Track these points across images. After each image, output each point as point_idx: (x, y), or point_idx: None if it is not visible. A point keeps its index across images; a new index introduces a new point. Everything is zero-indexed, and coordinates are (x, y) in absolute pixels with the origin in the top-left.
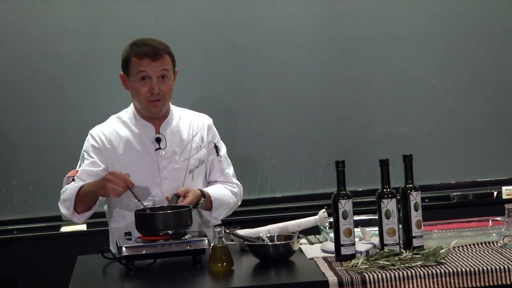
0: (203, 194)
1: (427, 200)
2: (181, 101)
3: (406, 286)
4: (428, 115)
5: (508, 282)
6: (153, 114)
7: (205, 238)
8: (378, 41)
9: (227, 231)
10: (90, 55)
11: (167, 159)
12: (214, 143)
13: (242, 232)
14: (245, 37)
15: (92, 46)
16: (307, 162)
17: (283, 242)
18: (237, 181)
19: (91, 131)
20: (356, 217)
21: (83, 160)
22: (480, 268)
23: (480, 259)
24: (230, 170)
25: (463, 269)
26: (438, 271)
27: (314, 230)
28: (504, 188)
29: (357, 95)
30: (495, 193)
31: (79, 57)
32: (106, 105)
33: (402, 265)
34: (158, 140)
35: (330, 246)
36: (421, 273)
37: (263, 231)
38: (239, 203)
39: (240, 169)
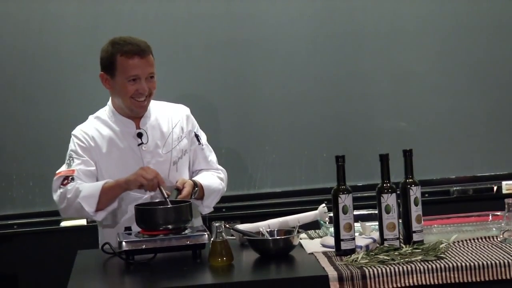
0: (195, 184)
1: (427, 195)
2: (180, 96)
3: (406, 281)
4: (428, 110)
5: (508, 277)
6: (138, 113)
7: (205, 233)
8: (379, 37)
9: (227, 226)
10: (89, 51)
11: (150, 153)
12: (194, 132)
13: (242, 226)
14: (245, 32)
15: (91, 42)
16: (307, 157)
17: (283, 237)
18: (221, 167)
19: (74, 132)
20: (356, 212)
21: (72, 159)
22: (480, 263)
23: (480, 254)
24: (213, 157)
25: (463, 264)
26: (438, 265)
27: (314, 225)
28: (504, 183)
29: (357, 90)
30: (495, 188)
31: (79, 53)
32: (106, 101)
33: (402, 260)
34: (139, 135)
35: (330, 240)
36: (421, 267)
37: (263, 225)
38: (225, 188)
39: (240, 163)
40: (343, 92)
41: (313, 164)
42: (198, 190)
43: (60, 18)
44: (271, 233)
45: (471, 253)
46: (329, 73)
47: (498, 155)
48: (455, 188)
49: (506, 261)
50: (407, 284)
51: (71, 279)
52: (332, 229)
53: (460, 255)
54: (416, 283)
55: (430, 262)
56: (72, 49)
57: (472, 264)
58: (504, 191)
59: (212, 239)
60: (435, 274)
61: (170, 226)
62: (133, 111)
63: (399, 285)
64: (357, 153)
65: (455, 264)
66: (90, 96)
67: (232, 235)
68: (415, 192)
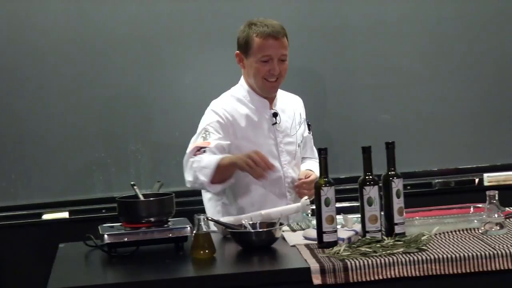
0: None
1: (409, 187)
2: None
3: (388, 273)
4: (410, 102)
5: (489, 269)
6: (268, 94)
7: (187, 226)
8: (362, 29)
9: (210, 218)
10: (73, 43)
11: (282, 133)
12: (307, 121)
13: (224, 219)
14: (230, 25)
15: (75, 36)
16: None
17: (265, 230)
18: None
19: (213, 108)
20: (338, 204)
21: (209, 133)
22: (462, 254)
23: (462, 246)
24: (314, 147)
25: (445, 256)
26: (420, 257)
27: (296, 217)
28: (485, 175)
29: (340, 82)
30: (476, 180)
31: (62, 47)
32: (89, 93)
33: (384, 252)
34: (275, 115)
35: (313, 233)
36: (403, 259)
37: (246, 218)
38: None
39: None
40: (327, 85)
41: None
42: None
43: (44, 11)
44: (253, 225)
45: (452, 245)
46: (313, 66)
47: (480, 148)
48: (437, 181)
49: (487, 253)
50: (389, 276)
51: (53, 272)
52: (314, 222)
53: (441, 247)
54: (398, 275)
55: (412, 254)
56: (55, 44)
57: (453, 256)
58: (485, 183)
59: (194, 231)
60: (416, 266)
61: (152, 219)
62: (264, 91)
63: (381, 277)
64: (340, 146)
65: (436, 256)
66: (72, 89)
67: (215, 228)
68: (397, 185)
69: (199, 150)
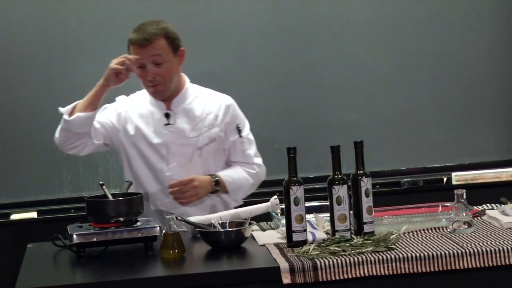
0: (216, 180)
1: (378, 186)
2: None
3: (357, 272)
4: (379, 101)
5: (457, 267)
6: (155, 98)
7: (157, 225)
8: (330, 28)
9: (179, 218)
10: (38, 44)
11: (175, 134)
12: (236, 125)
13: (193, 219)
14: (198, 25)
15: (39, 35)
16: (259, 148)
17: (234, 229)
18: (258, 161)
19: (118, 98)
20: (307, 204)
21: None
22: (430, 253)
23: (430, 244)
24: (252, 151)
25: (413, 255)
26: (389, 256)
27: (266, 217)
28: (453, 174)
29: (308, 81)
30: (445, 179)
31: (27, 45)
32: (56, 91)
33: (353, 251)
34: (167, 115)
35: None
36: (372, 258)
37: (215, 217)
38: (260, 182)
39: None
40: (295, 84)
41: (265, 156)
42: (221, 184)
43: (8, 12)
44: (222, 225)
45: (421, 244)
46: (280, 65)
47: (448, 147)
48: (405, 180)
49: (455, 251)
50: (358, 275)
51: (21, 273)
52: (283, 221)
53: (410, 246)
54: (367, 274)
55: (380, 253)
56: (21, 43)
57: (422, 254)
58: (453, 182)
59: (163, 231)
60: (385, 265)
61: (121, 219)
62: (151, 95)
63: (350, 276)
64: (309, 145)
65: (405, 255)
66: (38, 88)
67: (184, 227)
68: (366, 184)
69: None
